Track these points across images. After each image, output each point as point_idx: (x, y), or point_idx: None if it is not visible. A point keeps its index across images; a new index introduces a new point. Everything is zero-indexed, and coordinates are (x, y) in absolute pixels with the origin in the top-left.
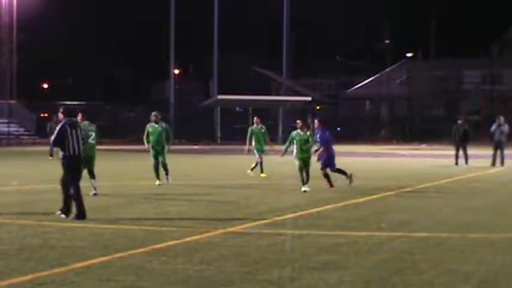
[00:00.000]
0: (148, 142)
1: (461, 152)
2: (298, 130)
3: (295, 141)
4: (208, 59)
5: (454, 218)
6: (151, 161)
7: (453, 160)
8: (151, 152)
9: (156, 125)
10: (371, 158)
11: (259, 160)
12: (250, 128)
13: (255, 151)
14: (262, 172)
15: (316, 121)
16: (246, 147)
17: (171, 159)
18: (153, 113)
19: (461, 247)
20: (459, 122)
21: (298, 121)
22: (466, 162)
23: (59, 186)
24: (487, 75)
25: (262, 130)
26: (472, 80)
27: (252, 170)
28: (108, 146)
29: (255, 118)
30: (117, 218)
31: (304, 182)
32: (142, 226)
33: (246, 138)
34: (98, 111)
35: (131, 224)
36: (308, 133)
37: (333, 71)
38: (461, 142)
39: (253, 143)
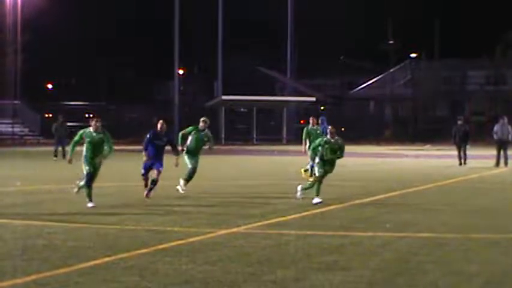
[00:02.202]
0: (182, 144)
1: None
2: (328, 137)
3: (323, 149)
4: (212, 59)
5: (458, 219)
6: (189, 166)
7: (457, 161)
8: (188, 156)
9: (203, 132)
10: (375, 159)
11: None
12: (305, 128)
13: (310, 153)
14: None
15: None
16: (303, 147)
17: (174, 159)
18: (202, 119)
19: (466, 248)
20: (459, 122)
21: (329, 126)
22: (465, 163)
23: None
24: (491, 76)
25: (318, 131)
26: (476, 81)
27: (305, 171)
28: None
29: (311, 118)
30: (121, 218)
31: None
32: (146, 227)
33: (249, 139)
34: (102, 111)
35: (135, 224)
36: (340, 141)
37: (337, 72)
38: (462, 142)
39: (308, 144)
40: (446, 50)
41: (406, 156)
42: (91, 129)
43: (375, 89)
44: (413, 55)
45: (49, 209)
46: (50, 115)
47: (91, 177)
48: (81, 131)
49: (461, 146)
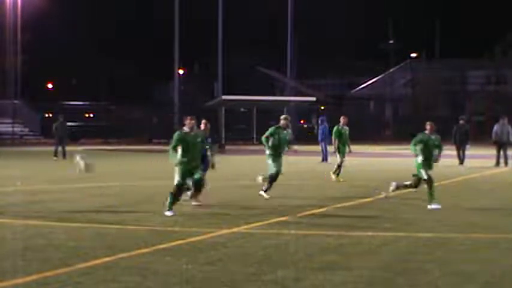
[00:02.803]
0: (267, 142)
1: (460, 152)
2: (426, 132)
3: (423, 147)
4: (212, 59)
5: (458, 218)
6: (272, 170)
7: (457, 160)
8: (272, 158)
9: (286, 131)
10: (375, 158)
11: (341, 163)
12: (336, 127)
13: (338, 153)
14: (337, 175)
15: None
16: (334, 147)
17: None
18: (283, 117)
19: (466, 247)
20: (461, 122)
21: (428, 123)
22: (462, 163)
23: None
24: (491, 76)
25: (347, 132)
26: (477, 81)
27: (334, 173)
28: (112, 146)
29: (342, 118)
30: (122, 218)
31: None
32: (146, 226)
33: (249, 139)
34: (102, 111)
35: (136, 224)
36: (438, 138)
37: (338, 72)
38: (462, 142)
39: (336, 144)
40: (447, 50)
41: (406, 156)
42: (186, 128)
43: (375, 88)
44: (413, 55)
45: (49, 209)
46: (50, 115)
47: (180, 188)
48: (177, 134)
49: (461, 145)
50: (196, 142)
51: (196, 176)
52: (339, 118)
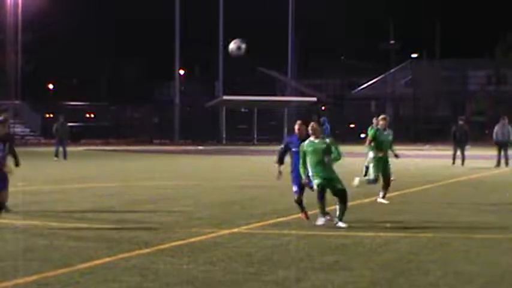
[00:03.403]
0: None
1: (459, 153)
2: None
3: None
4: (213, 59)
5: (459, 219)
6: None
7: (457, 160)
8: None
9: (387, 132)
10: None
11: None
12: (371, 128)
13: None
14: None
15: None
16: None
17: (175, 159)
18: (381, 117)
19: (467, 248)
20: (460, 122)
21: None
22: (463, 163)
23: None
24: (492, 76)
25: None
26: (477, 81)
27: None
28: (112, 147)
29: (375, 118)
30: (122, 218)
31: None
32: (146, 226)
33: (250, 139)
34: (102, 111)
35: (136, 224)
36: None
37: (338, 72)
38: (461, 143)
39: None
40: (447, 50)
41: (407, 156)
42: (311, 138)
43: (376, 89)
44: (414, 55)
45: (50, 209)
46: (51, 115)
47: (323, 189)
48: (303, 144)
49: (460, 146)
50: (323, 149)
51: (338, 186)
52: (341, 118)
